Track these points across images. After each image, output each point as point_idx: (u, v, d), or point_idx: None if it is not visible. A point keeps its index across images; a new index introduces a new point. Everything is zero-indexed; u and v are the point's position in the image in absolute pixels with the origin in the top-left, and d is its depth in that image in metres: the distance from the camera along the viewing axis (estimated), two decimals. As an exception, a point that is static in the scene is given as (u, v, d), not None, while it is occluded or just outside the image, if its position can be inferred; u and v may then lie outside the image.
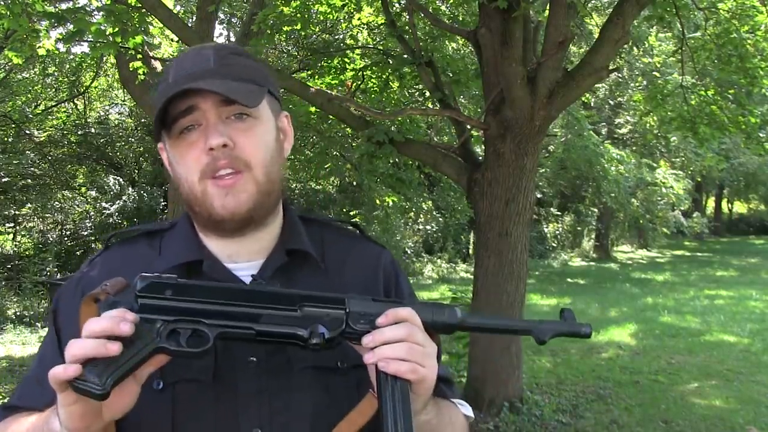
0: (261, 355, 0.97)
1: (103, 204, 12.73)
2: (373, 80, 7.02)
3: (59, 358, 0.95)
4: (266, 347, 0.96)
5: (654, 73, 9.10)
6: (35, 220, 13.25)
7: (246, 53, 1.06)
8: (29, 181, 13.04)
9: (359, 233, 1.18)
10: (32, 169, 13.15)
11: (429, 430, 0.98)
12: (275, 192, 1.02)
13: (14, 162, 12.62)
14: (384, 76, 6.83)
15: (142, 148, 14.34)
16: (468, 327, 0.99)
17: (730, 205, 33.68)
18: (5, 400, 1.05)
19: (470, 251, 16.29)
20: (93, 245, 12.34)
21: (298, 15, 5.99)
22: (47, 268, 10.97)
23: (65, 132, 13.77)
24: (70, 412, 0.82)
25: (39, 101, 14.09)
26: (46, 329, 1.06)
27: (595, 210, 19.23)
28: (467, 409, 1.12)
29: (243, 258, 1.04)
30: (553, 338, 0.97)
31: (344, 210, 13.87)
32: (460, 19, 6.93)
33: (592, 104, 15.64)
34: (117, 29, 4.85)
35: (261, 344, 0.92)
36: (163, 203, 12.70)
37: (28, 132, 13.03)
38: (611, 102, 16.52)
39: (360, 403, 0.98)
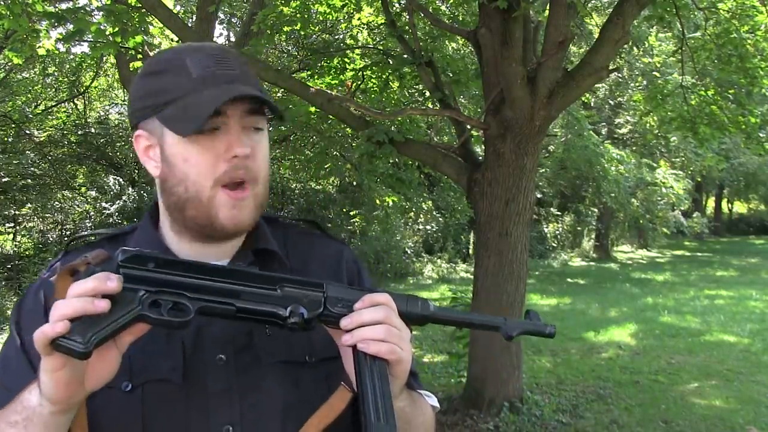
0: (230, 352, 0.97)
1: (103, 204, 12.73)
2: (373, 80, 7.02)
3: (25, 366, 0.95)
4: (235, 345, 0.97)
5: (654, 73, 9.10)
6: (35, 220, 13.25)
7: (246, 61, 1.07)
8: (29, 181, 13.04)
9: (319, 231, 1.18)
10: (32, 169, 13.15)
11: (403, 417, 0.99)
12: (265, 205, 1.03)
13: (14, 162, 12.62)
14: (384, 76, 6.83)
15: (142, 148, 14.31)
16: (439, 319, 1.01)
17: (730, 205, 33.68)
18: None
19: (470, 251, 16.29)
20: (93, 245, 12.33)
21: (298, 15, 5.99)
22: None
23: (65, 132, 13.77)
24: (55, 379, 0.81)
25: (39, 101, 14.10)
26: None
27: (595, 210, 19.23)
28: (433, 400, 1.14)
29: (210, 259, 1.03)
30: (520, 335, 1.01)
31: (344, 210, 13.88)
32: (460, 19, 6.93)
33: (592, 104, 15.64)
34: (117, 29, 4.85)
35: (239, 321, 0.92)
36: (163, 203, 12.68)
37: (28, 132, 13.04)
38: (611, 102, 16.53)
39: (331, 396, 0.98)
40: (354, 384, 0.95)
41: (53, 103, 14.13)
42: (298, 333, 0.93)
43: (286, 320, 0.90)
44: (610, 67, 4.93)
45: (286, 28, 6.24)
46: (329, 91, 6.15)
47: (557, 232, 19.99)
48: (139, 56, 6.52)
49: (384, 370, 0.90)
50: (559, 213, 19.78)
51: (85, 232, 1.09)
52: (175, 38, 8.70)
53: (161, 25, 6.40)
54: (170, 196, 0.99)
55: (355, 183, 12.55)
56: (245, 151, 0.95)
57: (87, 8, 6.07)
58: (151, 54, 7.65)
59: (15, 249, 12.66)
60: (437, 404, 1.14)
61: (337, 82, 7.00)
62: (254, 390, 0.97)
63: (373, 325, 0.91)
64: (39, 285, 1.02)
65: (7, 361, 0.99)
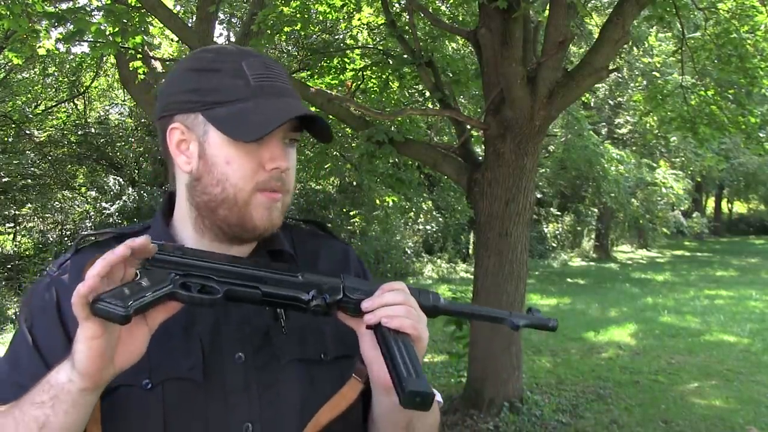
0: (248, 351, 0.99)
1: (103, 204, 12.73)
2: (373, 80, 7.02)
3: (37, 362, 0.95)
4: (252, 344, 0.99)
5: (654, 73, 9.10)
6: (35, 220, 13.25)
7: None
8: (29, 181, 13.04)
9: (323, 232, 1.21)
10: (32, 169, 13.15)
11: (419, 416, 1.01)
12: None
13: (14, 162, 12.62)
14: (384, 76, 6.83)
15: (142, 148, 14.34)
16: (448, 311, 1.04)
17: (730, 205, 33.70)
18: None
19: (470, 251, 16.29)
20: (93, 245, 12.33)
21: (298, 15, 5.99)
22: (47, 268, 10.96)
23: (65, 132, 13.77)
24: (91, 347, 0.81)
25: (39, 101, 14.10)
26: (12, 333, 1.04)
27: (595, 210, 19.24)
28: (438, 396, 1.15)
29: None
30: (525, 327, 1.05)
31: (344, 210, 13.87)
32: (460, 19, 6.93)
33: (592, 104, 15.64)
34: (117, 29, 4.85)
35: (263, 305, 0.95)
36: (163, 203, 12.68)
37: (28, 132, 13.04)
38: (611, 102, 16.53)
39: (343, 387, 1.01)
40: (368, 368, 0.98)
41: (53, 103, 14.12)
42: (313, 331, 1.00)
43: (308, 303, 0.93)
44: (610, 67, 4.93)
45: (286, 28, 6.23)
46: (329, 91, 6.16)
47: (557, 232, 19.99)
48: (139, 56, 6.53)
49: (408, 341, 0.93)
50: (559, 213, 19.78)
51: (95, 231, 1.09)
52: (175, 38, 8.70)
53: (161, 25, 6.40)
54: (202, 194, 0.99)
55: (355, 183, 12.55)
56: (286, 165, 0.99)
57: (87, 8, 6.08)
58: (152, 54, 7.66)
59: (15, 249, 12.66)
60: (441, 400, 1.16)
61: (337, 82, 7.00)
62: (272, 388, 0.99)
63: (393, 305, 0.94)
64: (49, 282, 1.01)
65: (16, 359, 0.98)
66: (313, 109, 6.45)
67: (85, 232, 1.09)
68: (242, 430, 0.97)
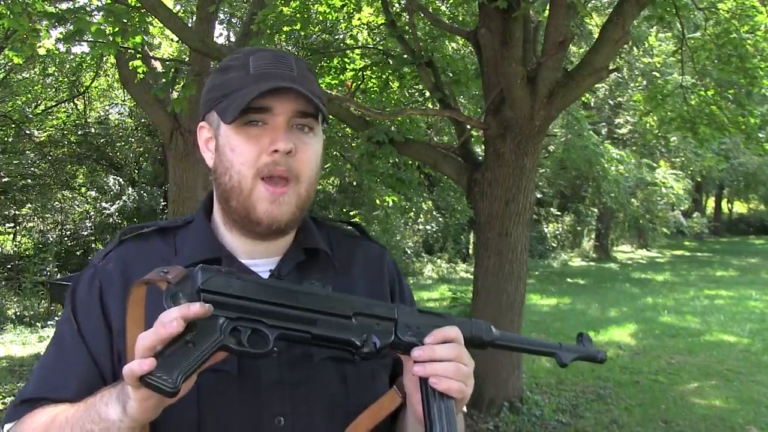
0: (282, 347, 0.99)
1: (103, 204, 12.74)
2: (373, 80, 7.02)
3: (81, 349, 0.99)
4: None
5: (654, 73, 9.09)
6: (35, 220, 13.26)
7: (313, 71, 1.09)
8: (29, 181, 13.04)
9: (360, 234, 1.21)
10: (32, 169, 13.16)
11: None
12: (307, 207, 1.07)
13: (14, 162, 12.62)
14: (384, 76, 6.83)
15: (142, 148, 14.35)
16: (500, 345, 1.03)
17: (730, 205, 33.68)
18: (15, 397, 1.04)
19: (470, 251, 16.28)
20: (93, 245, 12.35)
21: (298, 15, 5.99)
22: (47, 268, 10.96)
23: (65, 132, 13.77)
24: (144, 407, 0.84)
25: (39, 101, 14.09)
26: (47, 328, 1.07)
27: (595, 210, 19.23)
28: None
29: (261, 255, 1.07)
30: (573, 361, 1.06)
31: (344, 210, 13.87)
32: (460, 19, 6.93)
33: (592, 104, 15.63)
34: (117, 29, 4.84)
35: (315, 346, 0.95)
36: (163, 203, 12.70)
37: (28, 132, 13.04)
38: (611, 102, 16.52)
39: (382, 397, 1.02)
40: (407, 395, 0.99)
41: (53, 103, 14.12)
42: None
43: (359, 349, 0.93)
44: (610, 67, 4.93)
45: (286, 28, 6.23)
46: (329, 91, 6.16)
47: (557, 232, 19.99)
48: (139, 56, 6.52)
49: (452, 409, 0.93)
50: (559, 213, 19.78)
51: (139, 224, 1.12)
52: (175, 38, 8.70)
53: (161, 25, 6.40)
54: (219, 186, 1.03)
55: (355, 183, 12.56)
56: (286, 147, 0.98)
57: (87, 8, 6.08)
58: (152, 54, 7.66)
59: (15, 249, 12.67)
60: (464, 409, 1.17)
61: (337, 82, 7.00)
62: (305, 383, 1.01)
63: (445, 362, 0.93)
64: (93, 273, 1.05)
65: (63, 345, 1.03)
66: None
67: (130, 226, 1.12)
68: (274, 423, 0.99)
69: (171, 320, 0.81)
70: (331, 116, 5.69)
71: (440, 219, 15.89)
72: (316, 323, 0.91)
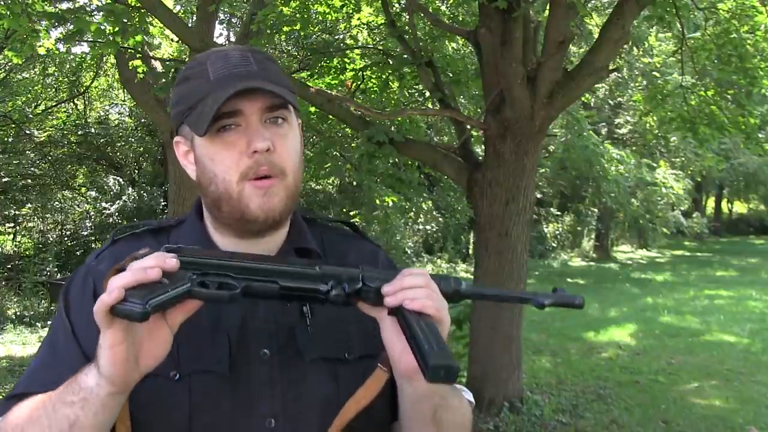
0: (273, 347, 1.00)
1: (103, 204, 12.74)
2: (373, 80, 7.01)
3: (74, 348, 0.99)
4: (278, 340, 1.00)
5: (654, 73, 9.08)
6: (35, 220, 13.26)
7: (273, 58, 1.08)
8: (29, 181, 13.05)
9: (354, 232, 1.20)
10: (32, 169, 13.16)
11: (444, 407, 1.00)
12: (297, 197, 1.06)
13: (14, 162, 12.63)
14: (384, 76, 6.83)
15: (142, 148, 14.35)
16: (470, 295, 1.02)
17: (730, 205, 33.68)
18: (7, 393, 1.04)
19: (470, 251, 16.28)
20: (93, 245, 12.35)
21: (298, 15, 5.99)
22: (47, 268, 10.97)
23: (65, 132, 13.77)
24: (113, 354, 0.83)
25: (39, 101, 14.09)
26: (47, 328, 1.07)
27: (595, 210, 19.22)
28: (468, 395, 1.15)
29: None
30: (552, 306, 1.01)
31: (344, 210, 13.86)
32: (460, 19, 6.93)
33: (592, 104, 15.62)
34: (117, 29, 4.84)
35: (282, 299, 0.94)
36: (163, 203, 12.70)
37: (28, 132, 13.04)
38: (611, 102, 16.51)
39: (367, 380, 1.01)
40: (390, 356, 0.96)
41: (53, 103, 14.11)
42: (338, 330, 1.01)
43: (327, 294, 0.92)
44: (610, 67, 4.93)
45: (285, 28, 6.23)
46: (329, 91, 6.15)
47: (557, 232, 19.99)
48: (139, 56, 6.53)
49: (431, 321, 0.91)
50: (559, 213, 19.78)
51: (132, 223, 1.12)
52: (175, 38, 8.70)
53: (161, 24, 6.40)
54: (206, 196, 1.03)
55: (355, 183, 12.53)
56: (263, 146, 0.97)
57: (87, 8, 6.08)
58: (152, 54, 7.66)
59: (15, 249, 12.67)
60: (472, 399, 1.15)
61: (337, 82, 7.00)
62: (296, 384, 1.00)
63: (415, 288, 0.93)
64: (87, 271, 1.06)
65: (55, 343, 1.03)
66: (312, 109, 6.48)
67: (122, 226, 1.12)
68: (265, 424, 0.98)
69: (150, 266, 0.82)
70: (331, 116, 5.69)
71: (440, 219, 15.88)
72: (281, 275, 0.92)
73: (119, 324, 0.82)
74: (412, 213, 13.64)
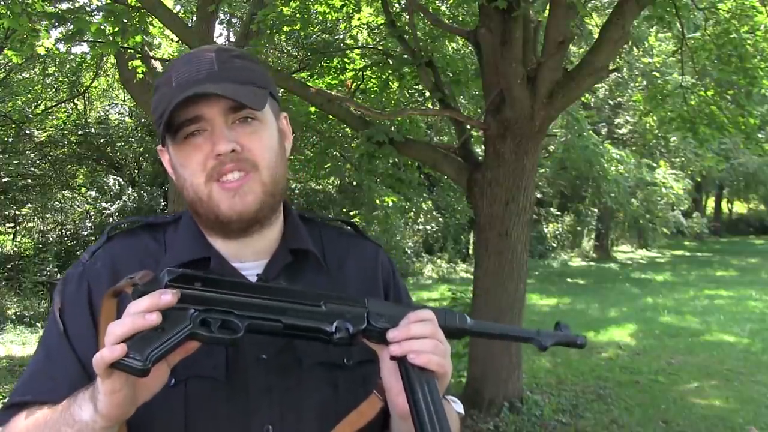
0: (271, 353, 0.99)
1: (103, 204, 12.74)
2: (373, 80, 7.01)
3: (68, 353, 0.97)
4: (276, 345, 0.98)
5: (654, 73, 9.08)
6: (35, 220, 13.26)
7: (247, 55, 1.06)
8: (29, 181, 13.04)
9: (355, 232, 1.19)
10: (32, 169, 13.16)
11: None
12: (279, 193, 1.04)
13: (14, 162, 12.62)
14: (384, 76, 6.82)
15: (142, 148, 14.34)
16: (475, 332, 1.02)
17: (730, 205, 33.68)
18: (5, 400, 1.03)
19: (470, 251, 16.28)
20: (93, 245, 12.32)
21: (298, 15, 5.98)
22: (47, 268, 10.97)
23: (65, 132, 13.76)
24: (112, 400, 0.82)
25: (39, 101, 14.08)
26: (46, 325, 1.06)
27: (595, 210, 19.22)
28: (459, 406, 1.14)
29: (249, 257, 1.05)
30: (553, 346, 1.03)
31: (344, 210, 13.86)
32: (460, 19, 6.92)
33: (592, 104, 15.62)
34: (117, 29, 4.85)
35: (286, 337, 0.93)
36: (163, 203, 12.70)
37: (28, 132, 13.03)
38: (611, 102, 16.51)
39: (361, 404, 0.99)
40: (386, 392, 0.96)
41: (53, 103, 14.10)
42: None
43: (331, 336, 0.91)
44: (610, 67, 4.93)
45: (285, 28, 6.23)
46: (329, 91, 6.15)
47: (557, 232, 19.99)
48: (139, 56, 6.53)
49: (434, 382, 0.91)
50: (559, 213, 19.78)
51: (126, 220, 1.11)
52: (175, 38, 8.70)
53: (161, 24, 6.40)
54: (186, 201, 1.03)
55: (355, 183, 12.53)
56: (226, 148, 0.96)
57: (87, 8, 6.08)
58: (152, 54, 7.66)
59: (15, 249, 12.67)
60: (462, 410, 1.14)
61: (337, 82, 7.00)
62: (294, 391, 0.99)
63: (421, 339, 0.92)
64: (82, 271, 1.04)
65: (50, 348, 1.01)
66: (312, 109, 6.48)
67: (116, 221, 1.12)
68: (263, 431, 0.97)
69: (146, 311, 0.81)
70: (331, 116, 5.69)
71: (440, 219, 15.88)
72: (286, 312, 0.90)
73: (118, 375, 0.81)
74: (412, 213, 13.64)
